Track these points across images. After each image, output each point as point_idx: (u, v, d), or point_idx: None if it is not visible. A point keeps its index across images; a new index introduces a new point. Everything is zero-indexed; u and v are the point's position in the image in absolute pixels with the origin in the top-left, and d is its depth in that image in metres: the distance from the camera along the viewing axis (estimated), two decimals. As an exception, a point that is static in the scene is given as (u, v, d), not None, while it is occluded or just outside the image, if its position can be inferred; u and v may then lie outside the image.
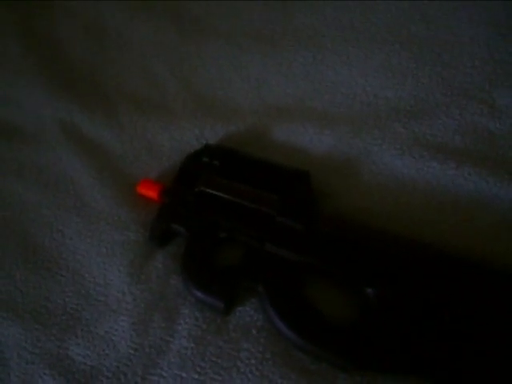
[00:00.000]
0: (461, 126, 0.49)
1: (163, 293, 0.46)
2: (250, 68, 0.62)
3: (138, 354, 0.43)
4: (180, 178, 0.51)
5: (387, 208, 0.46)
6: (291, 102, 0.57)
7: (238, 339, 0.42)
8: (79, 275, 0.49)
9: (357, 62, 0.57)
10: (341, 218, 0.45)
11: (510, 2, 0.56)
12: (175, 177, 0.52)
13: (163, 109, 0.61)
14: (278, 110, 0.57)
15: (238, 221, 0.46)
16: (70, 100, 0.63)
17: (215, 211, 0.47)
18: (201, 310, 0.44)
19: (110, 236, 0.51)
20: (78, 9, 0.76)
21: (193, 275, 0.44)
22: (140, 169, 0.56)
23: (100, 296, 0.47)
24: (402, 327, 0.37)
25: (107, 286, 0.47)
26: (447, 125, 0.49)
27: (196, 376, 0.41)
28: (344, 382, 0.38)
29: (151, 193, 0.51)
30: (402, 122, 0.50)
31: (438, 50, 0.55)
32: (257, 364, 0.40)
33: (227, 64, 0.64)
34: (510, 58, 0.53)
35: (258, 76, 0.61)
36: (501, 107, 0.49)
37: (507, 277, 0.38)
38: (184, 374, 0.41)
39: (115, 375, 0.42)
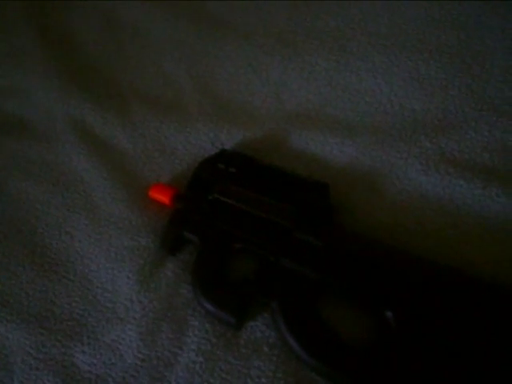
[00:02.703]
0: (490, 143, 0.49)
1: (172, 302, 0.47)
2: (270, 71, 0.63)
3: (145, 365, 0.44)
4: (194, 183, 0.52)
5: (410, 226, 0.46)
6: (312, 109, 0.58)
7: (248, 356, 0.42)
8: (87, 280, 0.50)
9: (383, 69, 0.57)
10: (360, 234, 0.45)
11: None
12: (189, 182, 0.52)
13: (178, 110, 0.62)
14: (298, 116, 0.57)
15: (253, 232, 0.46)
16: (83, 97, 0.64)
17: (230, 221, 0.48)
18: (211, 322, 0.45)
19: (119, 241, 0.51)
20: (93, 4, 0.77)
21: (204, 287, 0.45)
22: (152, 171, 0.57)
23: (107, 303, 0.48)
24: (421, 353, 0.37)
25: (115, 293, 0.48)
26: (475, 141, 0.49)
27: (204, 392, 0.41)
28: (358, 407, 0.38)
29: (163, 197, 0.52)
30: (428, 136, 0.50)
31: (468, 60, 0.55)
32: (268, 383, 0.40)
33: (246, 65, 0.64)
34: (544, 73, 0.52)
35: (277, 79, 0.62)
36: (532, 125, 0.49)
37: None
38: (192, 390, 0.41)
39: (121, 386, 0.43)
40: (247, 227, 0.47)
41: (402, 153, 0.50)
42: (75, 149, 0.60)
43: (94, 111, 0.63)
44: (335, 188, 0.48)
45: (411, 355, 0.37)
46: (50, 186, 0.58)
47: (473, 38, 0.57)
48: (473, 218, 0.45)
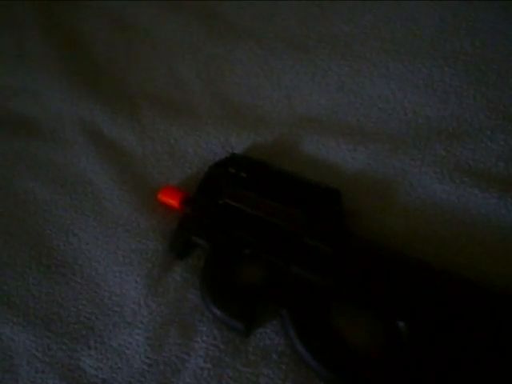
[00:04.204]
0: (505, 152, 0.49)
1: (180, 307, 0.47)
2: (282, 75, 0.63)
3: (152, 370, 0.44)
4: (204, 187, 0.52)
5: (423, 234, 0.46)
6: (323, 114, 0.58)
7: (257, 363, 0.42)
8: (94, 283, 0.50)
9: (396, 75, 0.58)
10: (372, 241, 0.45)
11: None
12: (198, 186, 0.53)
13: (188, 112, 0.63)
14: (309, 121, 0.58)
15: (263, 238, 0.46)
16: (93, 99, 0.65)
17: (239, 226, 0.48)
18: (219, 328, 0.45)
19: (127, 244, 0.52)
20: (103, 5, 0.78)
21: (212, 292, 0.45)
22: (161, 174, 0.57)
23: (115, 306, 0.48)
24: (433, 364, 0.37)
25: (123, 297, 0.48)
26: (491, 150, 0.49)
27: (212, 400, 0.41)
28: (368, 418, 0.38)
29: (172, 201, 0.52)
30: (443, 144, 0.50)
31: (483, 68, 0.55)
32: (277, 391, 0.40)
33: (257, 69, 0.65)
34: (560, 83, 0.53)
35: (289, 84, 0.62)
36: (548, 134, 0.49)
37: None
38: (200, 397, 0.42)
39: (128, 391, 0.43)
40: (257, 232, 0.47)
41: (416, 160, 0.50)
42: (84, 150, 0.61)
43: (103, 112, 0.63)
44: (347, 194, 0.49)
45: (423, 366, 0.37)
46: (57, 187, 0.58)
47: (488, 45, 0.57)
48: (488, 227, 0.45)
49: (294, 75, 0.63)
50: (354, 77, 0.60)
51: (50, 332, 0.47)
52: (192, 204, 0.51)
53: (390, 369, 0.38)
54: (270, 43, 0.67)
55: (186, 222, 0.50)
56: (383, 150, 0.52)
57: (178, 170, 0.57)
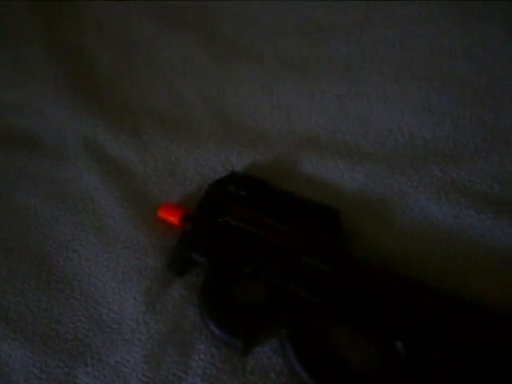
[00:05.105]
0: (500, 174, 0.50)
1: (178, 325, 0.47)
2: (281, 95, 0.65)
3: (149, 388, 0.44)
4: (204, 205, 0.53)
5: (419, 254, 0.47)
6: (322, 134, 0.59)
7: (255, 382, 0.42)
8: (93, 299, 0.50)
9: (393, 97, 0.59)
10: (370, 261, 0.46)
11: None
12: (198, 203, 0.53)
13: (189, 131, 0.64)
14: (309, 140, 0.59)
15: (262, 256, 0.47)
16: (95, 116, 0.66)
17: (239, 244, 0.49)
18: (217, 346, 0.45)
19: (126, 260, 0.52)
20: (106, 23, 0.80)
21: (211, 310, 0.45)
22: (162, 191, 0.58)
23: (113, 323, 0.48)
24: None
25: (121, 314, 0.49)
26: (486, 172, 0.50)
27: (209, 419, 0.41)
28: None
29: (172, 218, 0.53)
30: (439, 165, 0.51)
31: (479, 91, 0.57)
32: (274, 411, 0.41)
33: (257, 89, 0.66)
34: (555, 106, 0.54)
35: (288, 104, 0.64)
36: (544, 157, 0.50)
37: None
38: (196, 416, 0.42)
39: (124, 409, 0.43)
40: (256, 251, 0.48)
41: (412, 181, 0.51)
42: (86, 167, 0.61)
43: (105, 130, 0.64)
44: (345, 214, 0.49)
45: (420, 387, 0.38)
46: (58, 203, 0.59)
47: (484, 68, 0.59)
48: (483, 248, 0.46)
49: (293, 95, 0.64)
50: (352, 98, 0.61)
51: (47, 348, 0.47)
52: (192, 221, 0.52)
53: (387, 389, 0.38)
54: (271, 64, 0.68)
55: (185, 239, 0.51)
56: (380, 170, 0.53)
57: (179, 188, 0.58)
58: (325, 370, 0.40)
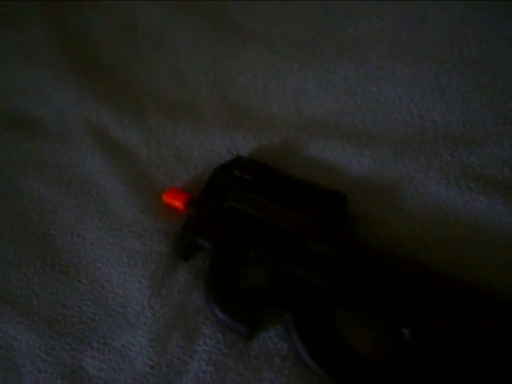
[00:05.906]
0: (510, 158, 0.49)
1: (184, 309, 0.47)
2: (288, 77, 0.63)
3: (155, 372, 0.44)
4: (208, 189, 0.52)
5: (427, 239, 0.46)
6: (330, 117, 0.58)
7: (260, 367, 0.42)
8: (98, 284, 0.50)
9: (403, 79, 0.58)
10: (378, 246, 0.45)
11: None
12: (203, 188, 0.53)
13: (193, 114, 0.63)
14: (315, 124, 0.58)
15: (267, 241, 0.47)
16: (98, 99, 0.65)
17: (244, 228, 0.48)
18: (222, 331, 0.45)
19: (132, 245, 0.52)
20: (109, 5, 0.78)
21: (216, 295, 0.45)
22: (166, 176, 0.57)
23: (118, 307, 0.48)
24: (437, 371, 0.37)
25: (126, 298, 0.49)
26: (496, 156, 0.49)
27: (214, 403, 0.41)
28: (371, 424, 0.38)
29: (177, 203, 0.52)
30: (449, 149, 0.50)
31: (490, 73, 0.55)
32: (279, 396, 0.41)
33: (263, 71, 0.65)
34: None
35: (295, 86, 0.62)
36: (555, 140, 0.49)
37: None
38: (202, 400, 0.42)
39: (130, 392, 0.43)
40: (262, 236, 0.47)
41: (421, 166, 0.50)
42: (89, 151, 0.61)
43: (109, 113, 0.64)
44: (352, 198, 0.48)
45: (427, 373, 0.37)
46: (63, 188, 0.59)
47: (495, 50, 0.57)
48: (493, 234, 0.45)
49: (300, 78, 0.63)
50: (361, 80, 0.60)
51: (53, 332, 0.48)
52: (197, 206, 0.51)
53: (393, 375, 0.38)
54: (277, 46, 0.67)
55: (190, 224, 0.50)
56: (389, 155, 0.52)
57: (183, 172, 0.57)
58: (330, 355, 0.39)
